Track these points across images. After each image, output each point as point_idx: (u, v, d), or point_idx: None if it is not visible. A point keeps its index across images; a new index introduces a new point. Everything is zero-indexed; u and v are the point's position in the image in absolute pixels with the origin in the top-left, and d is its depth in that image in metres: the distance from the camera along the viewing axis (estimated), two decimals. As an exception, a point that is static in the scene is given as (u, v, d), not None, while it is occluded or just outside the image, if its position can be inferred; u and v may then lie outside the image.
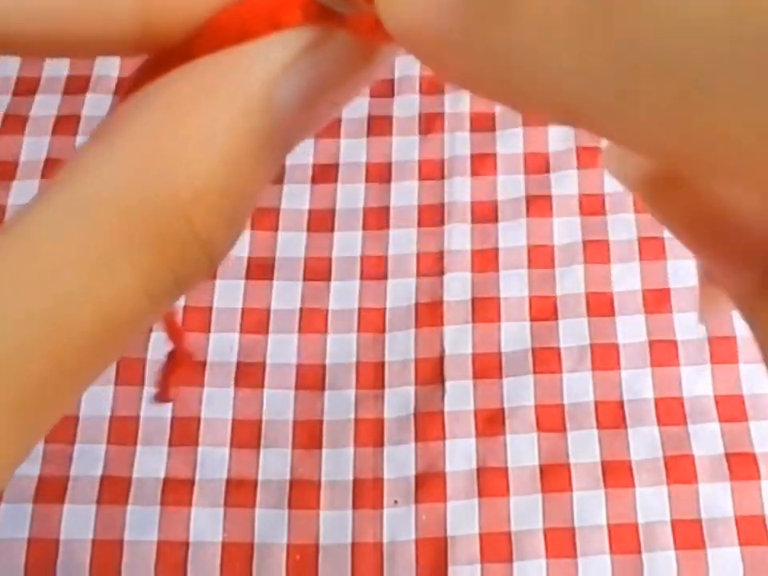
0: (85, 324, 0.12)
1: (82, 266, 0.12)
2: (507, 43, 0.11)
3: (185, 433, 0.38)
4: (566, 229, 0.43)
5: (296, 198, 0.44)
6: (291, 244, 0.43)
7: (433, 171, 0.45)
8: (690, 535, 0.36)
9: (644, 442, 0.38)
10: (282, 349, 0.40)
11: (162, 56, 0.14)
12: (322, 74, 0.14)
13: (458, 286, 0.42)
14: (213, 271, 0.14)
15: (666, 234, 0.37)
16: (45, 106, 0.47)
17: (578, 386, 0.39)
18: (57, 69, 0.47)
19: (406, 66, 0.48)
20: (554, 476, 0.38)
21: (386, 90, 0.47)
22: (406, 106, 0.47)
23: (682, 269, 0.42)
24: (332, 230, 0.43)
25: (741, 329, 0.40)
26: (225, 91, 0.13)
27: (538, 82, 0.11)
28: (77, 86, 0.47)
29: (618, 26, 0.09)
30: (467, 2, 0.11)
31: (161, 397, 0.38)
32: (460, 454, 0.38)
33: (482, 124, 0.46)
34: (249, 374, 0.40)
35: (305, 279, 0.42)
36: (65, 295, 0.12)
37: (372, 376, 0.40)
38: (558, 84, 0.10)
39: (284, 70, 0.13)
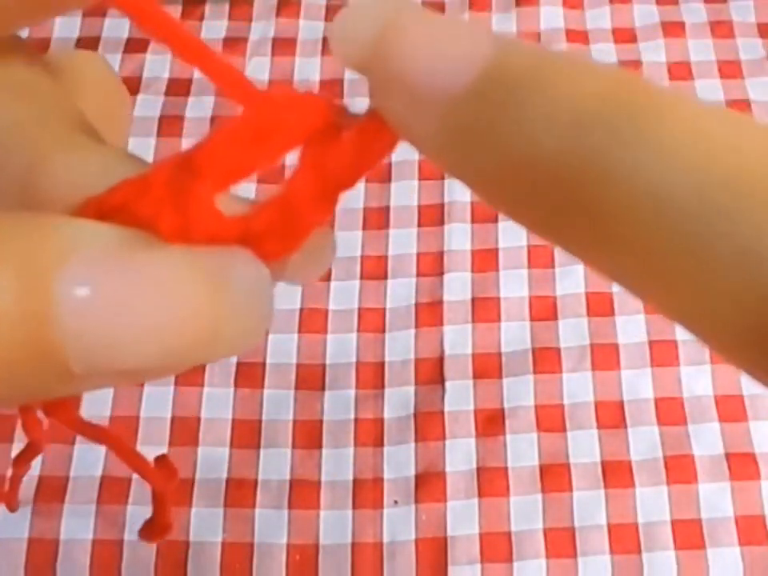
0: None
1: None
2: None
3: (185, 433, 0.38)
4: (566, 229, 0.43)
5: (296, 197, 0.44)
6: (291, 244, 0.43)
7: (433, 171, 0.44)
8: (690, 535, 0.36)
9: (644, 442, 0.38)
10: (282, 349, 0.40)
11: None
12: None
13: (458, 286, 0.42)
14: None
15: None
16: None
17: (578, 386, 0.39)
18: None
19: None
20: (554, 476, 0.38)
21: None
22: (406, 105, 0.46)
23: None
24: (332, 229, 0.43)
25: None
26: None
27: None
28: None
29: None
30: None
31: None
32: (460, 454, 0.38)
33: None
34: (249, 374, 0.40)
35: (305, 279, 0.42)
36: None
37: (372, 376, 0.40)
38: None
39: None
